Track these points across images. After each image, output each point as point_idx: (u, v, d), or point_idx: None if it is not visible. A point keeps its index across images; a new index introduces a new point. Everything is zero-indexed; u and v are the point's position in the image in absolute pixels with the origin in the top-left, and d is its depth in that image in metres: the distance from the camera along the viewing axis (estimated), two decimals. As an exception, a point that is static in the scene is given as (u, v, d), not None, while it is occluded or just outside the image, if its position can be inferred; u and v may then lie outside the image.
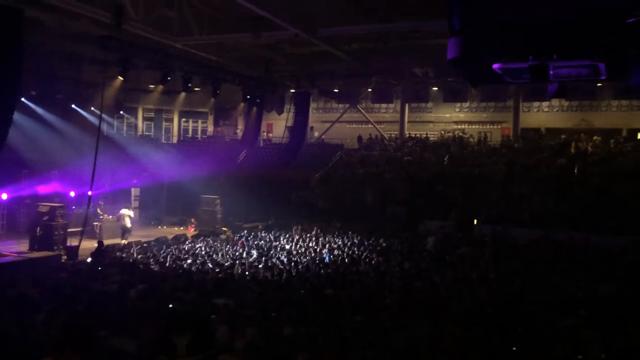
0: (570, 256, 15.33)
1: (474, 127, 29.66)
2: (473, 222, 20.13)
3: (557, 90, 5.98)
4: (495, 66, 5.35)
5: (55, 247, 16.90)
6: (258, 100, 24.34)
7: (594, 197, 19.67)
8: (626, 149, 23.66)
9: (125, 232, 19.25)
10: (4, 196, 20.05)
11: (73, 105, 25.17)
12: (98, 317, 7.96)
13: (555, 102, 27.38)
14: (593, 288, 11.34)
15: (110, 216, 21.44)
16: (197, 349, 2.58)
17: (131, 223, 19.59)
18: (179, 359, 2.60)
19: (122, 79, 18.85)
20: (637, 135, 25.44)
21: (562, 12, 4.85)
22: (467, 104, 30.08)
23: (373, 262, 14.47)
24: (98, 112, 23.27)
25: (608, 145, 24.23)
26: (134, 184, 25.42)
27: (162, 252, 15.82)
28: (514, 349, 7.33)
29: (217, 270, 12.83)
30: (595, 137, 25.12)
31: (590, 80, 5.14)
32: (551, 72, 5.19)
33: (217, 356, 2.79)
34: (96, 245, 15.71)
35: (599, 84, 25.13)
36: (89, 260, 14.70)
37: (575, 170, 21.98)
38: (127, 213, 19.58)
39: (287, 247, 16.98)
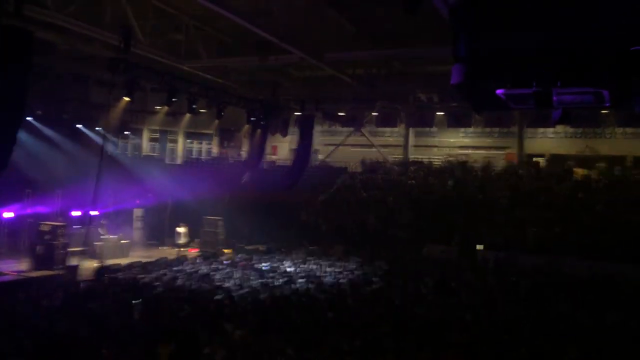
0: (575, 283, 15.17)
1: (478, 152, 29.61)
2: (476, 247, 19.98)
3: (561, 117, 5.97)
4: (499, 92, 5.35)
5: (56, 267, 16.82)
6: (262, 123, 24.44)
7: (598, 225, 19.53)
8: (632, 176, 23.57)
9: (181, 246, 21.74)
10: (9, 215, 20.06)
11: (79, 125, 25.34)
12: (96, 336, 7.89)
13: (560, 128, 27.35)
14: (599, 316, 11.19)
15: (112, 236, 21.39)
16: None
17: (184, 238, 22.19)
18: None
19: (128, 100, 19.00)
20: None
21: (566, 39, 4.87)
22: (472, 129, 30.09)
23: (375, 286, 14.34)
24: (103, 132, 23.47)
25: (612, 173, 24.16)
26: (137, 204, 25.42)
27: (163, 273, 15.73)
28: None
29: (218, 292, 12.73)
30: (598, 164, 25.07)
31: (594, 107, 5.15)
32: (555, 98, 5.18)
33: None
34: (96, 265, 15.68)
35: (604, 111, 25.14)
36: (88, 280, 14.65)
37: (579, 197, 21.91)
38: (180, 230, 21.89)
39: (289, 270, 16.87)
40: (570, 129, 27.38)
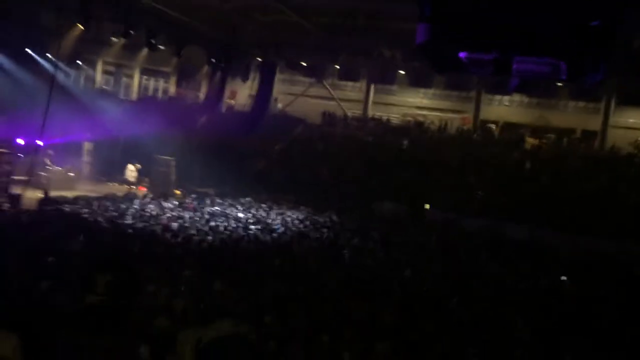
0: (513, 248, 15.85)
1: (435, 114, 29.92)
2: (425, 206, 20.47)
3: (518, 85, 6.07)
4: (461, 54, 5.37)
5: (-3, 194, 16.23)
6: (222, 65, 23.84)
7: (541, 194, 20.28)
8: (579, 149, 24.49)
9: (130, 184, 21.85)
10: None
11: (27, 50, 24.02)
12: (36, 268, 7.78)
13: (515, 97, 27.87)
14: (533, 280, 11.79)
15: (59, 168, 20.78)
16: (116, 290, 2.65)
17: (134, 176, 22.39)
18: (96, 295, 2.65)
19: (82, 27, 18.11)
20: (590, 137, 26.27)
21: (531, 9, 4.90)
22: (432, 91, 30.28)
23: (323, 237, 14.57)
24: (55, 59, 22.36)
25: (561, 144, 25.02)
26: (87, 138, 24.65)
27: (110, 208, 15.46)
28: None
29: (165, 231, 12.67)
30: (548, 135, 25.85)
31: (550, 78, 5.27)
32: (514, 66, 5.24)
33: (134, 305, 2.83)
34: (41, 195, 15.27)
35: (559, 84, 25.71)
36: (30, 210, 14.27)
37: (527, 165, 22.62)
38: (131, 167, 22.06)
39: (240, 215, 16.89)
40: (525, 99, 27.96)
